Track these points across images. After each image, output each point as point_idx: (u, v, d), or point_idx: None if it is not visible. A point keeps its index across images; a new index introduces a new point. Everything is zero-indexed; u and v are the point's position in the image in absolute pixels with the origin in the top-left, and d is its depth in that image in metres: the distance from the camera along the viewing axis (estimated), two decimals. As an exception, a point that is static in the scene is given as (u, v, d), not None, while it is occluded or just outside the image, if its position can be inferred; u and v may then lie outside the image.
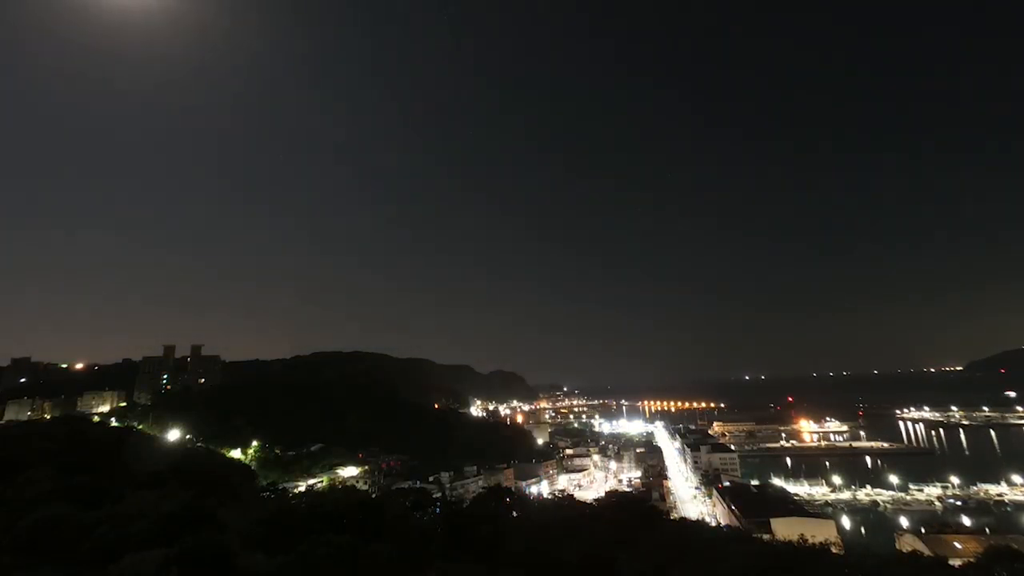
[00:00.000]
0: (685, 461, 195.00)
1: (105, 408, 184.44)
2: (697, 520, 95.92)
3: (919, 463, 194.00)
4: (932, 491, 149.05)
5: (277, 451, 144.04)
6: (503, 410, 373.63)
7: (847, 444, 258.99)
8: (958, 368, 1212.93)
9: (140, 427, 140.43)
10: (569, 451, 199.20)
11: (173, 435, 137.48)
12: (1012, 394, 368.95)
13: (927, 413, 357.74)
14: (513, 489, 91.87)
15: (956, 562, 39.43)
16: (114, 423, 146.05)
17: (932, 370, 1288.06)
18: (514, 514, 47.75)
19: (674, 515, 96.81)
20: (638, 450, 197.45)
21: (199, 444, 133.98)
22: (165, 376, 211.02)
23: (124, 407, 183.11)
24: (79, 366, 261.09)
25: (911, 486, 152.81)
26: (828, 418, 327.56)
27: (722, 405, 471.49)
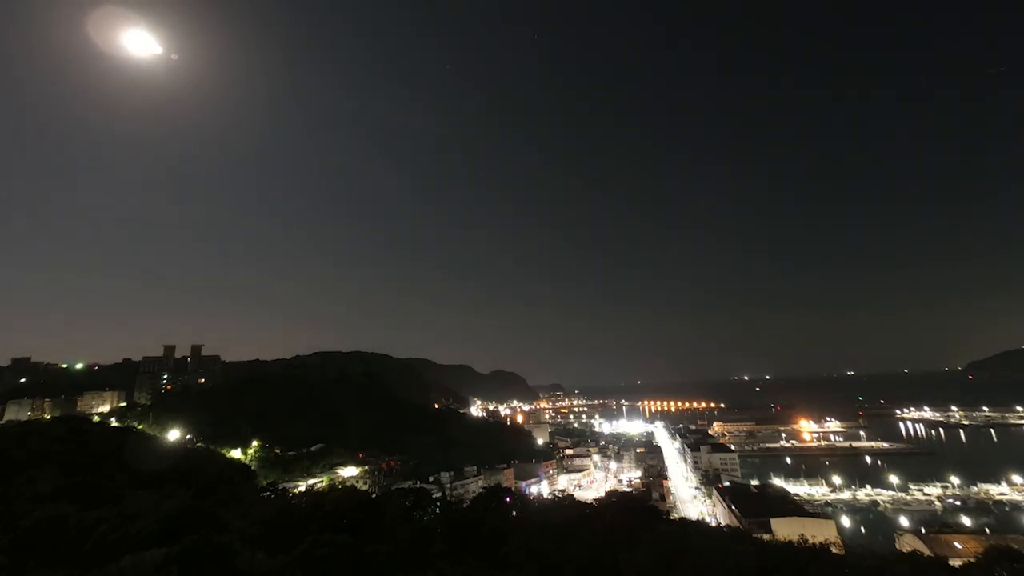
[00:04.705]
0: (685, 461, 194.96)
1: (105, 408, 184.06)
2: (697, 520, 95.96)
3: (919, 463, 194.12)
4: (932, 491, 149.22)
5: (277, 451, 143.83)
6: (503, 410, 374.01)
7: (847, 444, 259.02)
8: (958, 368, 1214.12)
9: (140, 427, 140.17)
10: (569, 451, 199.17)
11: (173, 435, 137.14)
12: None
13: (927, 413, 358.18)
14: (513, 489, 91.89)
15: (956, 562, 39.36)
16: (114, 423, 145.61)
17: (932, 370, 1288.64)
18: (514, 514, 47.67)
19: (674, 515, 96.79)
20: (638, 450, 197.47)
21: (199, 444, 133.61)
22: (165, 376, 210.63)
23: (124, 407, 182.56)
24: (79, 366, 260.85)
25: (911, 486, 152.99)
26: (828, 418, 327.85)
27: (722, 405, 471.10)
